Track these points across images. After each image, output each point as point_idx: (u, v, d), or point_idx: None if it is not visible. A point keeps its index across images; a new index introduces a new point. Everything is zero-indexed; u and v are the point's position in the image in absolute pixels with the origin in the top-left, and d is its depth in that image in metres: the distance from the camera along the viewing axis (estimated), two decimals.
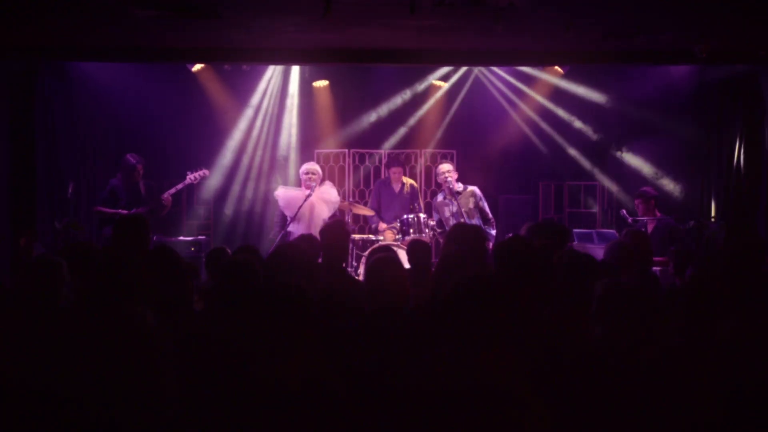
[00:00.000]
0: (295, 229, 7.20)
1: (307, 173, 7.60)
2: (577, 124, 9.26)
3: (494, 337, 2.30)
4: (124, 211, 7.09)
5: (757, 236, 7.00)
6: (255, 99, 9.38)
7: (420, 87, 9.53)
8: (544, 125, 9.42)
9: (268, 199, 9.25)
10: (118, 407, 1.84)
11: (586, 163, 9.38)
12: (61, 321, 3.17)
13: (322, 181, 7.76)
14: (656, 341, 2.72)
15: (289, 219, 7.42)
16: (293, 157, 9.46)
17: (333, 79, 9.40)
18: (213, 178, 9.06)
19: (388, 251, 4.34)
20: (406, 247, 6.91)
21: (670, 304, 3.36)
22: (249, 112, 9.38)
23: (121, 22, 6.18)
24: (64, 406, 1.86)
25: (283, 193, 7.68)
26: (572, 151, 9.39)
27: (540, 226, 5.06)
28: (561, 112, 9.29)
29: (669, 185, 8.94)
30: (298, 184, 7.85)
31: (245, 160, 9.44)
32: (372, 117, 9.55)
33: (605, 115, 9.17)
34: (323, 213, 7.50)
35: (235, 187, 9.45)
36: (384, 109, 9.54)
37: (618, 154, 9.22)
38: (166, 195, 7.39)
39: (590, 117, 9.24)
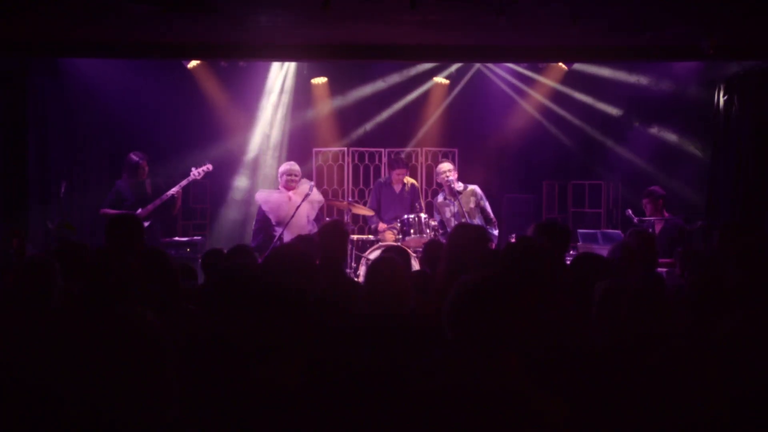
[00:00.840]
0: (283, 233, 6.95)
1: (290, 174, 7.37)
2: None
3: (501, 339, 2.25)
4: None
5: (760, 236, 6.90)
6: (252, 96, 9.22)
7: (421, 84, 9.39)
8: (549, 120, 9.26)
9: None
10: (119, 408, 1.81)
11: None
12: (55, 322, 3.15)
13: (300, 180, 7.49)
14: (659, 342, 2.66)
15: (274, 222, 7.24)
16: (285, 156, 9.29)
17: (332, 76, 9.28)
18: (211, 178, 8.92)
19: (391, 251, 4.25)
20: (408, 248, 6.88)
21: (674, 305, 3.32)
22: (246, 110, 9.24)
23: (114, 18, 6.13)
24: (62, 407, 1.83)
25: (265, 196, 7.44)
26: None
27: (544, 226, 4.98)
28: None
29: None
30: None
31: (242, 159, 9.31)
32: (372, 115, 9.43)
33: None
34: (310, 214, 7.33)
35: (233, 186, 9.32)
36: (384, 107, 9.41)
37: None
38: (171, 192, 7.17)
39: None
